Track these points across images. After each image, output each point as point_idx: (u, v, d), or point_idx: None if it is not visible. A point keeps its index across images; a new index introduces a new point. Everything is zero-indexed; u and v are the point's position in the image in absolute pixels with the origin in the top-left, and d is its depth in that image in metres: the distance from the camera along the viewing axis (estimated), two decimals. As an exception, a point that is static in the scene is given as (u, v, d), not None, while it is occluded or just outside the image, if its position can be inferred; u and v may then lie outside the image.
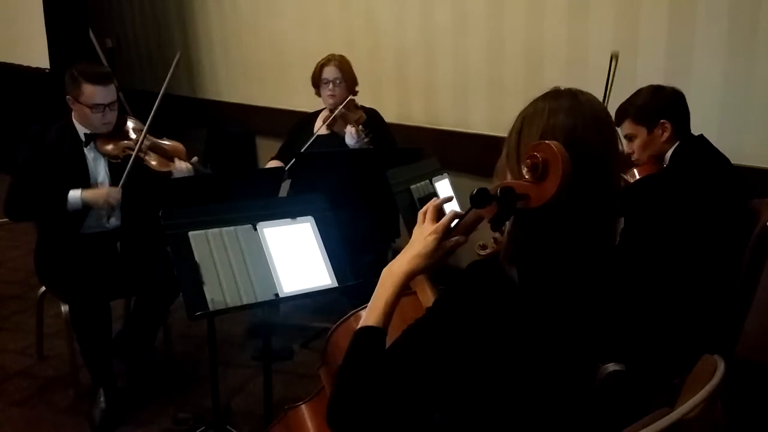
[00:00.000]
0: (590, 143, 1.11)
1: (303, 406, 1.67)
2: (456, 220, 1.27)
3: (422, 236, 1.26)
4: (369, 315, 1.21)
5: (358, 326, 1.21)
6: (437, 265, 1.28)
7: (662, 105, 2.30)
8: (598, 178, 1.12)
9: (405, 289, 1.23)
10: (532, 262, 1.11)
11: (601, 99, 2.48)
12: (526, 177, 1.05)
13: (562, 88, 1.18)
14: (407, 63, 4.00)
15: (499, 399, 1.11)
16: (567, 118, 1.11)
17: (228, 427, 2.45)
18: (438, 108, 3.94)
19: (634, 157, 2.40)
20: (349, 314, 1.56)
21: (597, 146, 1.12)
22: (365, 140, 3.25)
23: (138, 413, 2.68)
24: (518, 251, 1.12)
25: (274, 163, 3.38)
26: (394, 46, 4.03)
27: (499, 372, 1.09)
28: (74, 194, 2.63)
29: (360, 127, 3.28)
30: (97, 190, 2.71)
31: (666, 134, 2.30)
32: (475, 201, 1.08)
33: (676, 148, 2.32)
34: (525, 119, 1.15)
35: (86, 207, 2.68)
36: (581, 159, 1.06)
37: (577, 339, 1.11)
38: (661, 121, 2.30)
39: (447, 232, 1.26)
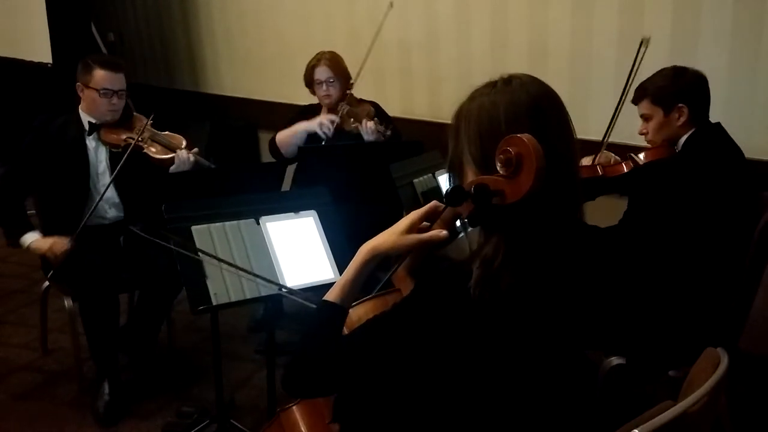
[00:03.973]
0: (552, 130, 1.08)
1: (294, 408, 1.69)
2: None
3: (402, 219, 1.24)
4: (333, 289, 1.23)
5: (324, 297, 1.23)
6: (413, 253, 1.23)
7: (682, 88, 2.25)
8: (564, 162, 1.10)
9: (368, 266, 1.22)
10: (519, 259, 1.08)
11: (623, 86, 2.47)
12: (500, 172, 1.02)
13: (504, 76, 1.15)
14: (410, 56, 3.99)
15: (476, 394, 1.11)
16: (523, 105, 1.09)
17: (231, 420, 2.45)
18: (441, 101, 3.93)
19: (648, 138, 2.37)
20: None
21: (558, 131, 1.10)
22: (388, 133, 3.17)
23: (142, 406, 2.69)
24: (507, 252, 1.08)
25: (286, 130, 3.26)
26: (397, 38, 4.02)
27: (472, 370, 1.10)
28: (30, 236, 2.69)
29: (376, 119, 3.21)
30: (44, 240, 2.69)
31: (682, 119, 2.26)
32: (450, 198, 1.06)
33: (690, 136, 2.28)
34: (472, 113, 1.12)
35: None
36: (548, 148, 1.02)
37: (564, 332, 1.11)
38: (679, 105, 2.25)
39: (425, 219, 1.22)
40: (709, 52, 2.82)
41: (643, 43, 2.53)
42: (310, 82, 3.30)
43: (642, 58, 2.49)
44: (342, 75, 3.29)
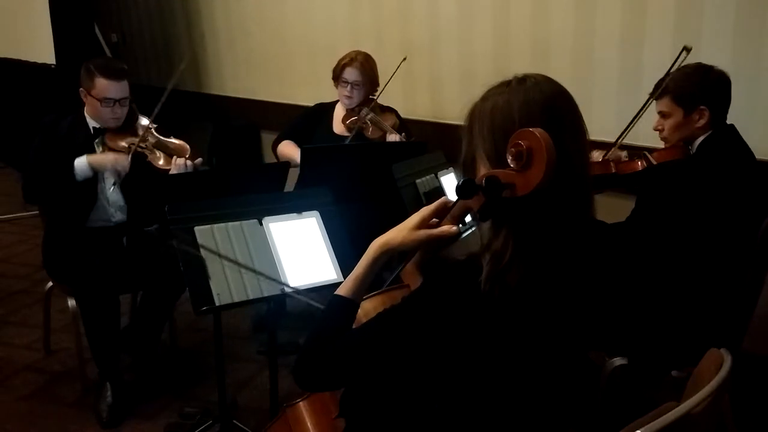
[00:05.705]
0: (565, 127, 1.10)
1: (301, 404, 1.70)
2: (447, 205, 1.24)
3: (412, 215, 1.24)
4: (344, 283, 1.26)
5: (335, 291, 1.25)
6: (422, 249, 1.24)
7: (705, 90, 2.20)
8: (575, 160, 1.10)
9: (378, 262, 1.24)
10: (528, 254, 1.09)
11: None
12: (511, 165, 1.04)
13: (518, 75, 1.15)
14: (413, 56, 3.99)
15: (481, 390, 1.12)
16: (537, 103, 1.09)
17: (234, 421, 2.46)
18: (443, 101, 3.93)
19: (663, 135, 2.33)
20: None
21: (571, 129, 1.11)
22: None
23: (144, 407, 2.69)
24: (515, 247, 1.08)
25: (289, 146, 3.28)
26: (399, 39, 4.02)
27: (475, 364, 1.11)
28: (80, 161, 2.64)
29: (403, 134, 3.19)
30: (103, 155, 2.72)
31: (702, 121, 2.22)
32: (461, 191, 1.07)
33: (707, 138, 2.24)
34: (485, 112, 1.12)
35: (95, 174, 2.70)
36: (561, 145, 1.03)
37: (570, 329, 1.12)
38: (701, 107, 2.20)
39: (435, 215, 1.23)
40: (712, 52, 2.81)
41: (685, 50, 2.42)
42: (336, 77, 3.30)
43: (680, 64, 2.39)
44: (370, 81, 3.28)
